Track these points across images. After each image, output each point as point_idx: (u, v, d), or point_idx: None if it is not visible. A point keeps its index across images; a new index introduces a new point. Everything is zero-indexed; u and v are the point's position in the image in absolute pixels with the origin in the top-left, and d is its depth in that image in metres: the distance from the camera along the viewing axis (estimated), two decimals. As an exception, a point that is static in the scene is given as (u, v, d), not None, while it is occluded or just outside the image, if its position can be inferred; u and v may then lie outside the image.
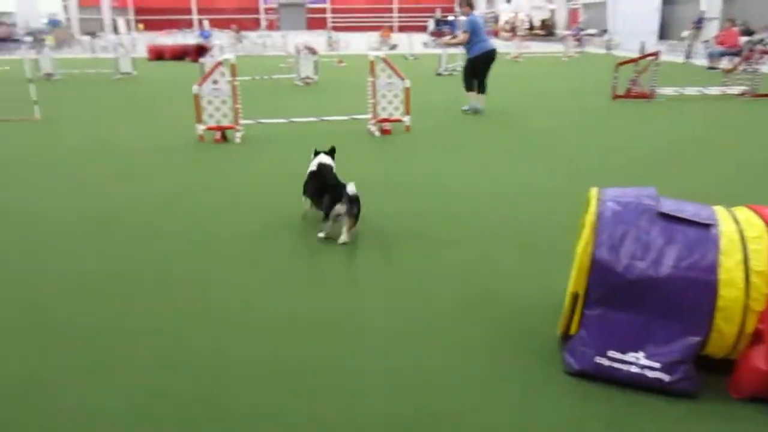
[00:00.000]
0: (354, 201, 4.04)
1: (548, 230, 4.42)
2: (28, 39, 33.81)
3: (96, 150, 7.49)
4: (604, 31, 30.37)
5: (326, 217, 4.14)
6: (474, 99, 9.88)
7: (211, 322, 3.11)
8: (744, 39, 17.73)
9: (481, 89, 9.83)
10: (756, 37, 18.14)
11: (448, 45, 10.26)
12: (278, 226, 4.57)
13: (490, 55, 9.56)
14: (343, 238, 4.12)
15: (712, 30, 21.86)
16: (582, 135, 8.35)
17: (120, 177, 6.17)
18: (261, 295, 3.43)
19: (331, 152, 4.80)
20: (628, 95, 11.19)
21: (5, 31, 36.05)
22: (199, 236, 4.39)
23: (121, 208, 5.07)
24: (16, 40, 32.73)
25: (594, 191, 2.76)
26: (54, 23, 41.44)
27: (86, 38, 39.14)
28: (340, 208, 4.04)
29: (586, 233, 2.55)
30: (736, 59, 14.31)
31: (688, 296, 2.38)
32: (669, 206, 2.54)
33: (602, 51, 27.14)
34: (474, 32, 9.43)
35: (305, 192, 4.58)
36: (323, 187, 4.26)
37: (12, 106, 10.33)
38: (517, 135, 8.34)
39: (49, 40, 32.59)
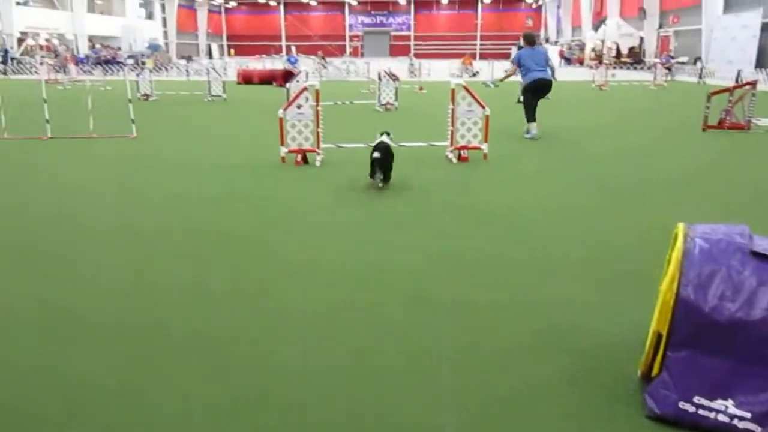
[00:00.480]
0: (381, 149, 6.30)
1: (630, 263, 4.25)
2: (130, 62, 36.35)
3: (184, 167, 7.90)
4: (697, 59, 29.14)
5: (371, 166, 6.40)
6: (533, 127, 10.33)
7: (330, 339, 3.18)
8: None
9: (532, 116, 10.35)
10: None
11: (504, 79, 10.80)
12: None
13: (536, 84, 10.07)
14: (378, 176, 6.40)
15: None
16: (668, 165, 8.00)
17: (204, 196, 6.46)
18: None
19: (387, 133, 6.97)
20: (720, 126, 10.66)
21: (111, 54, 38.92)
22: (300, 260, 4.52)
23: (213, 225, 5.30)
24: (120, 63, 35.22)
25: (681, 227, 2.64)
26: (154, 48, 44.40)
27: (182, 62, 41.62)
28: (375, 153, 6.28)
29: (672, 270, 2.44)
30: None
31: (784, 343, 2.22)
32: (763, 245, 2.39)
33: (694, 80, 26.04)
34: (521, 65, 10.17)
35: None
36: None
37: (112, 124, 11.08)
38: (597, 164, 8.09)
39: (149, 63, 34.90)
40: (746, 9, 26.08)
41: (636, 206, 5.92)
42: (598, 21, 43.23)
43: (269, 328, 3.31)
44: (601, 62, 34.13)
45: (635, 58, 36.93)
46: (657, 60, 29.82)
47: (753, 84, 10.77)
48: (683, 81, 26.44)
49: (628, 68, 34.79)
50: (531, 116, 10.33)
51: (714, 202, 6.13)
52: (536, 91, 10.16)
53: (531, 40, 10.69)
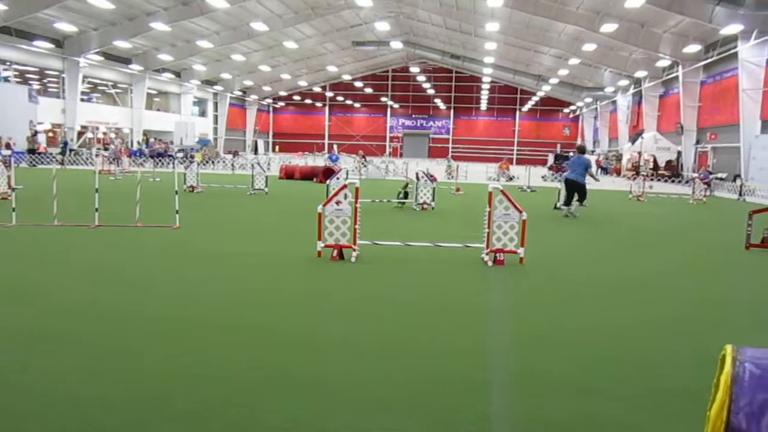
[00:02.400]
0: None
1: (673, 383, 4.04)
2: (180, 155, 38.17)
3: (222, 259, 8.04)
4: (737, 176, 29.05)
5: None
6: (572, 207, 14.52)
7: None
8: None
9: (567, 202, 14.74)
10: None
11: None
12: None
13: (566, 182, 14.89)
14: None
15: None
16: (712, 285, 7.78)
17: (238, 288, 6.52)
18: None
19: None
20: (764, 244, 10.42)
21: (162, 147, 41.02)
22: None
23: (246, 317, 5.32)
24: (171, 156, 36.98)
25: (729, 349, 2.52)
26: (203, 142, 46.69)
27: (229, 156, 43.50)
28: None
29: (721, 396, 2.30)
30: None
31: None
32: (819, 375, 2.25)
33: (733, 196, 25.86)
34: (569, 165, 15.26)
35: None
36: None
37: (158, 214, 11.47)
38: (635, 276, 7.93)
39: (197, 156, 36.56)
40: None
41: (681, 328, 5.72)
42: (635, 133, 43.92)
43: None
44: (638, 173, 34.33)
45: (673, 171, 37.04)
46: (695, 174, 29.85)
47: (796, 203, 10.61)
48: (723, 197, 26.26)
49: (666, 181, 34.82)
50: (567, 202, 14.66)
51: (763, 325, 5.88)
52: (567, 186, 14.70)
53: (581, 150, 15.27)
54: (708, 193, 25.39)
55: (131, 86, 47.17)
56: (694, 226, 14.67)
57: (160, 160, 33.37)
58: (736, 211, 17.19)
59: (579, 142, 67.27)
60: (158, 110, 53.60)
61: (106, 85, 46.84)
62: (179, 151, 40.91)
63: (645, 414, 3.59)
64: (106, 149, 36.67)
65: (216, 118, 62.64)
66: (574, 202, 14.52)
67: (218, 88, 60.02)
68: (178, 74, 51.89)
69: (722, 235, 12.47)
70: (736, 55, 29.37)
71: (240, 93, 65.42)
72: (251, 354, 4.36)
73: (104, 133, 45.24)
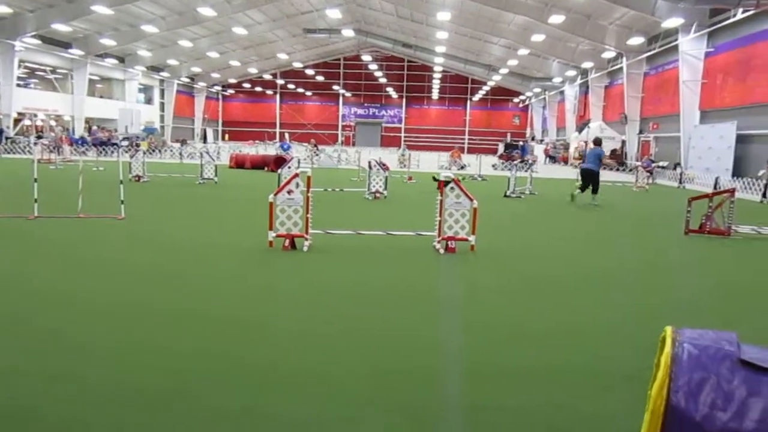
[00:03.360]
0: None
1: (615, 367, 4.19)
2: (125, 143, 36.99)
3: (170, 249, 7.86)
4: (677, 165, 30.20)
5: None
6: (595, 198, 15.55)
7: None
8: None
9: (582, 190, 15.80)
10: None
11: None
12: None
13: (581, 172, 16.12)
14: None
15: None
16: (652, 267, 8.08)
17: (187, 279, 6.39)
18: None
19: None
20: (701, 230, 10.88)
21: (106, 135, 39.64)
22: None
23: (197, 305, 5.21)
24: (115, 144, 35.78)
25: (669, 330, 2.62)
26: (150, 131, 45.36)
27: (176, 145, 42.42)
28: None
29: (661, 375, 2.40)
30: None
31: (776, 457, 2.15)
32: (752, 354, 2.37)
33: (674, 184, 26.88)
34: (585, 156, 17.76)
35: None
36: None
37: (101, 204, 11.10)
38: (582, 263, 8.16)
39: (143, 145, 35.52)
40: (721, 120, 27.41)
41: (620, 305, 5.92)
42: (582, 123, 45.00)
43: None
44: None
45: (617, 160, 38.20)
46: (638, 163, 30.86)
47: (731, 192, 11.10)
48: (664, 184, 27.27)
49: (611, 169, 35.90)
50: (583, 189, 15.66)
51: (700, 306, 6.15)
52: (583, 175, 15.82)
53: (597, 143, 16.53)
54: (650, 181, 26.32)
55: (72, 72, 45.20)
56: (636, 213, 15.19)
57: (103, 149, 32.25)
58: (676, 199, 17.88)
59: (529, 131, 68.60)
60: (101, 97, 51.67)
61: (45, 71, 44.81)
62: (124, 139, 39.63)
63: (593, 398, 3.71)
64: (39, 137, 35.03)
65: (163, 105, 60.85)
66: (594, 195, 15.42)
67: (165, 74, 58.27)
68: (122, 60, 50.12)
69: (663, 222, 12.96)
70: (677, 47, 30.40)
71: (188, 80, 63.76)
72: (202, 343, 4.28)
73: (42, 121, 43.31)
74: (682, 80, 30.04)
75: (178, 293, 5.69)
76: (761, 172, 21.40)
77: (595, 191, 15.48)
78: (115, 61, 48.97)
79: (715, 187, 20.42)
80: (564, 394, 3.71)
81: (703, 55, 29.37)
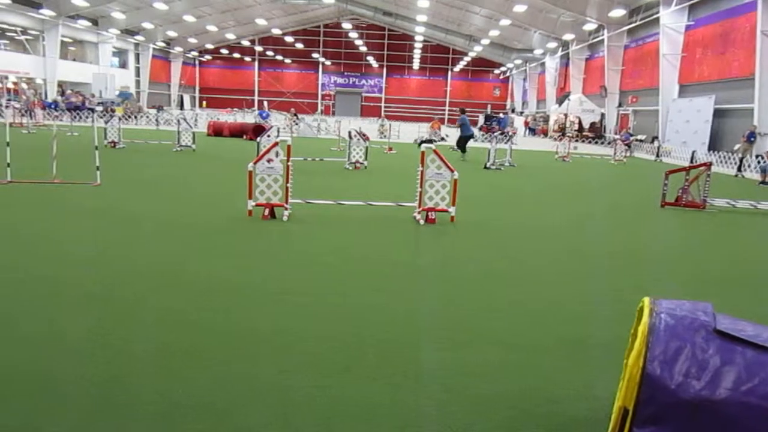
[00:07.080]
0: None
1: (593, 336, 4.27)
2: (99, 108, 36.15)
3: (146, 217, 7.75)
4: (654, 138, 30.50)
5: None
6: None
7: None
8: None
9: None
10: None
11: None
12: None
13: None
14: None
15: (765, 145, 21.69)
16: (629, 239, 8.21)
17: (166, 246, 6.32)
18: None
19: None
20: (677, 203, 11.05)
21: (80, 100, 38.64)
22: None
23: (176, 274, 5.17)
24: (90, 109, 34.95)
25: (647, 301, 2.67)
26: (125, 96, 44.30)
27: (153, 111, 41.57)
28: None
29: (638, 345, 2.44)
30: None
31: (746, 423, 2.22)
32: (726, 324, 2.42)
33: (651, 157, 27.18)
34: (463, 125, 20.41)
35: None
36: None
37: (77, 170, 10.88)
38: (562, 234, 8.25)
39: (118, 110, 34.76)
40: (699, 95, 27.64)
41: (597, 276, 6.02)
42: (562, 95, 45.09)
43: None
44: (564, 135, 35.44)
45: (596, 133, 38.44)
46: (617, 136, 31.11)
47: (707, 165, 11.26)
48: (641, 158, 27.56)
49: (590, 142, 36.14)
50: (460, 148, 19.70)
51: (676, 278, 6.27)
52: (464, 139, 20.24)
53: (464, 111, 20.77)
54: (628, 154, 26.59)
55: (43, 33, 43.74)
56: (614, 186, 15.35)
57: (77, 114, 31.49)
58: (653, 172, 18.10)
59: (509, 102, 68.55)
60: (74, 60, 50.19)
61: (16, 32, 43.31)
62: (99, 104, 38.69)
63: (564, 363, 3.78)
64: (10, 99, 33.97)
65: (138, 70, 59.31)
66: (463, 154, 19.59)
67: (140, 38, 56.71)
68: (95, 22, 48.58)
69: (640, 194, 13.12)
70: (657, 20, 30.43)
71: (163, 44, 62.17)
72: (180, 307, 4.25)
73: (14, 83, 42.02)
74: (662, 53, 30.15)
75: (157, 257, 5.63)
76: (737, 146, 21.72)
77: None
78: (88, 23, 47.44)
79: (691, 161, 20.69)
80: (538, 361, 3.77)
81: (683, 28, 29.46)
